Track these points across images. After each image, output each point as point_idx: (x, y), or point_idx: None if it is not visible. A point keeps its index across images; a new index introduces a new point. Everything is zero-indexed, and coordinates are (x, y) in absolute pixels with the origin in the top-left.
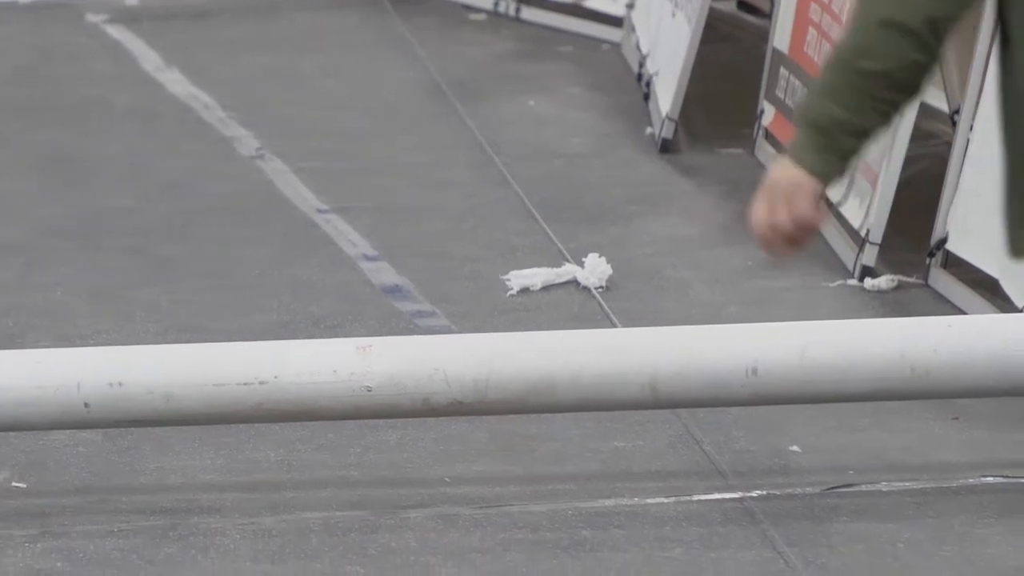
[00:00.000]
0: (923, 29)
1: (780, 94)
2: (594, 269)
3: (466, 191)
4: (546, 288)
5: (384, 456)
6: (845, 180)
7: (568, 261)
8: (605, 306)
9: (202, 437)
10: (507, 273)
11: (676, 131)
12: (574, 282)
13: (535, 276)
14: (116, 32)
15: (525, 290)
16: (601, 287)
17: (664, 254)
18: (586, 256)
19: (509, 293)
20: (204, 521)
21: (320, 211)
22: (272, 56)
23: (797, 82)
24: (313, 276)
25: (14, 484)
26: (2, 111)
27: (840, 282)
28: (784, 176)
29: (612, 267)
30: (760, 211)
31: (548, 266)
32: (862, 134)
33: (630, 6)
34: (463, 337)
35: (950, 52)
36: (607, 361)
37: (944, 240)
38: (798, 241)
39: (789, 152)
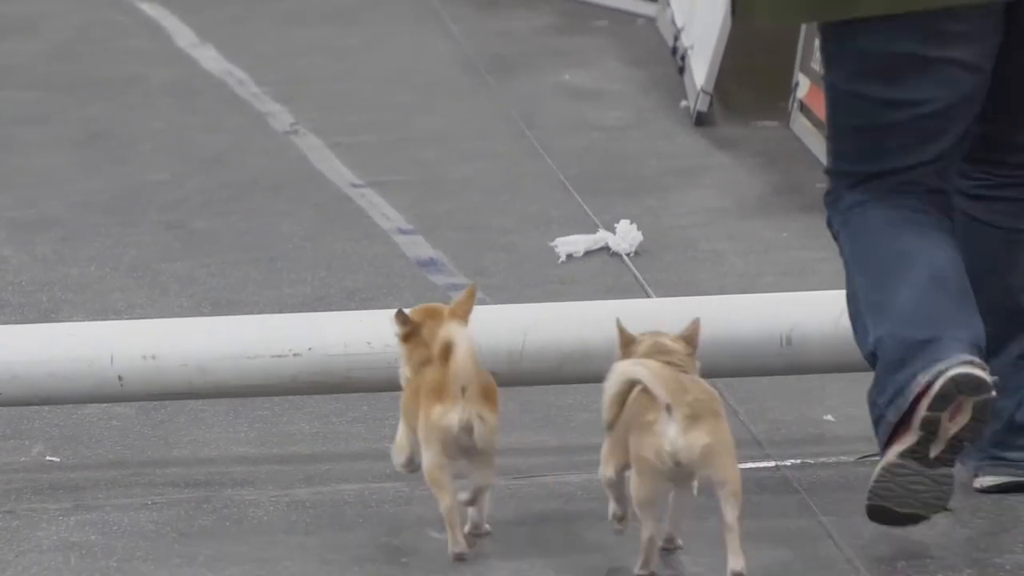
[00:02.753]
0: None
1: (815, 66)
2: (625, 235)
3: (501, 164)
4: (588, 253)
5: None
6: None
7: (601, 228)
8: (640, 277)
9: (236, 410)
10: (553, 241)
11: (711, 104)
12: (607, 249)
13: (578, 243)
14: (150, 9)
15: (571, 256)
16: (631, 252)
17: (699, 225)
18: (618, 223)
19: (559, 260)
20: (238, 494)
21: (355, 185)
22: (305, 32)
23: None
24: (348, 250)
25: (48, 458)
26: (41, 88)
27: None
28: None
29: (647, 238)
30: None
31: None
32: None
33: None
34: (497, 308)
35: None
36: (641, 330)
37: None
38: None
39: None
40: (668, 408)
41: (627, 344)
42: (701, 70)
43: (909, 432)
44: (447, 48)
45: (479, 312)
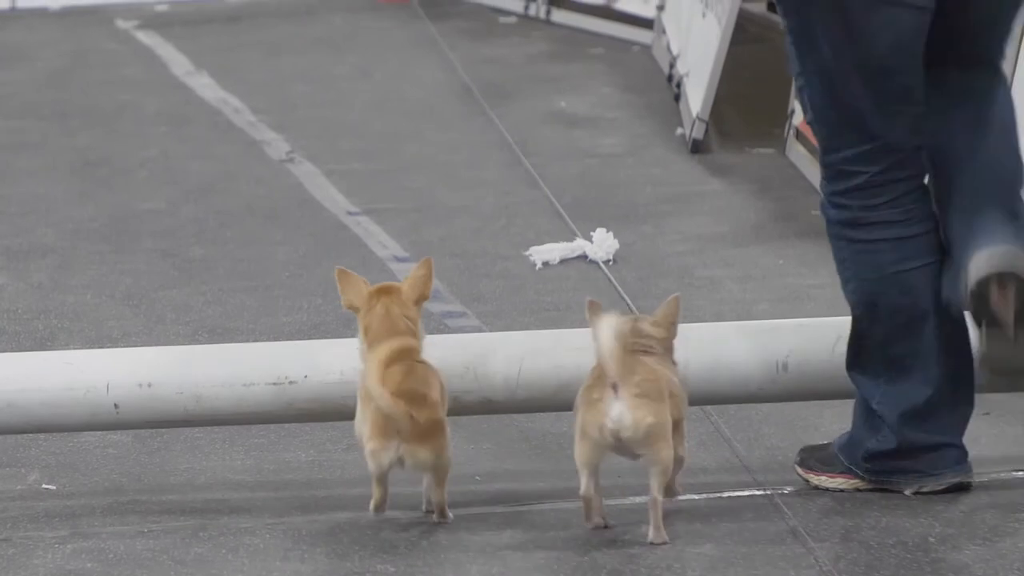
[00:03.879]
0: None
1: None
2: (602, 243)
3: (497, 191)
4: (565, 262)
5: None
6: None
7: (579, 237)
8: (633, 306)
9: (232, 438)
10: (528, 250)
11: (707, 131)
12: (584, 257)
13: (553, 251)
14: (146, 37)
15: (546, 264)
16: (608, 260)
17: (695, 252)
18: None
19: (536, 268)
20: (234, 521)
21: (351, 213)
22: (301, 59)
23: None
24: None
25: (44, 486)
26: (35, 115)
27: None
28: None
29: (643, 265)
30: None
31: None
32: None
33: (660, 8)
34: (493, 335)
35: None
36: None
37: None
38: None
39: None
40: (614, 387)
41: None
42: (697, 97)
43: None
44: (444, 75)
45: (474, 339)
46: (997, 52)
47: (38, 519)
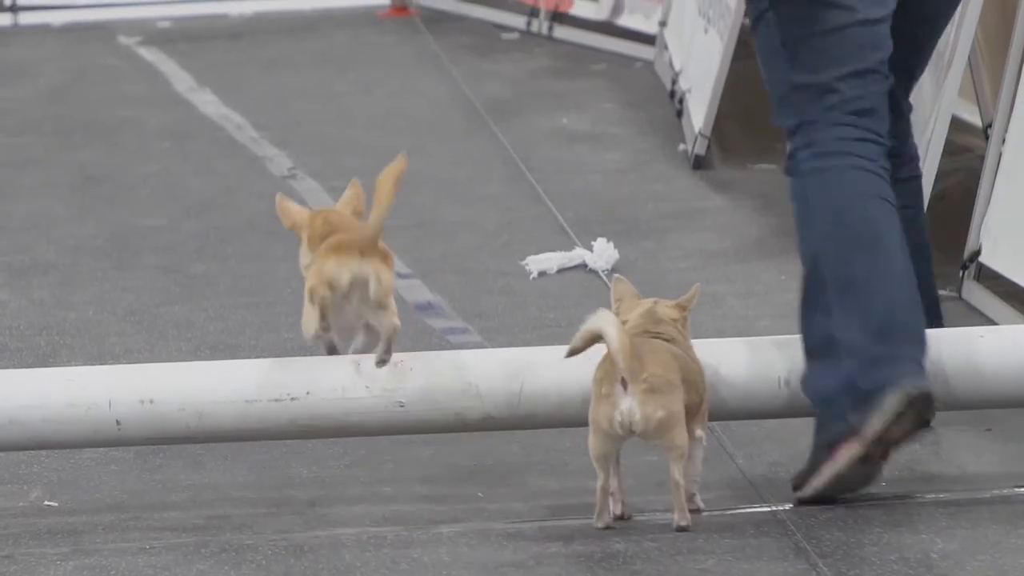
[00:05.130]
0: None
1: None
2: (602, 253)
3: (500, 207)
4: (563, 271)
5: (417, 471)
6: None
7: (578, 246)
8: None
9: (234, 454)
10: (524, 260)
11: (709, 147)
12: (583, 266)
13: (550, 260)
14: (148, 54)
15: (543, 273)
16: (608, 270)
17: (697, 268)
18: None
19: (531, 277)
20: (236, 538)
21: None
22: (304, 75)
23: None
24: None
25: (46, 503)
26: (37, 132)
27: None
28: None
29: (645, 281)
30: None
31: (584, 288)
32: None
33: (663, 24)
34: (495, 351)
35: (983, 66)
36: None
37: (977, 252)
38: None
39: None
40: (623, 382)
41: (621, 300)
42: (699, 113)
43: (858, 441)
44: (446, 91)
45: (477, 355)
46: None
47: (40, 536)
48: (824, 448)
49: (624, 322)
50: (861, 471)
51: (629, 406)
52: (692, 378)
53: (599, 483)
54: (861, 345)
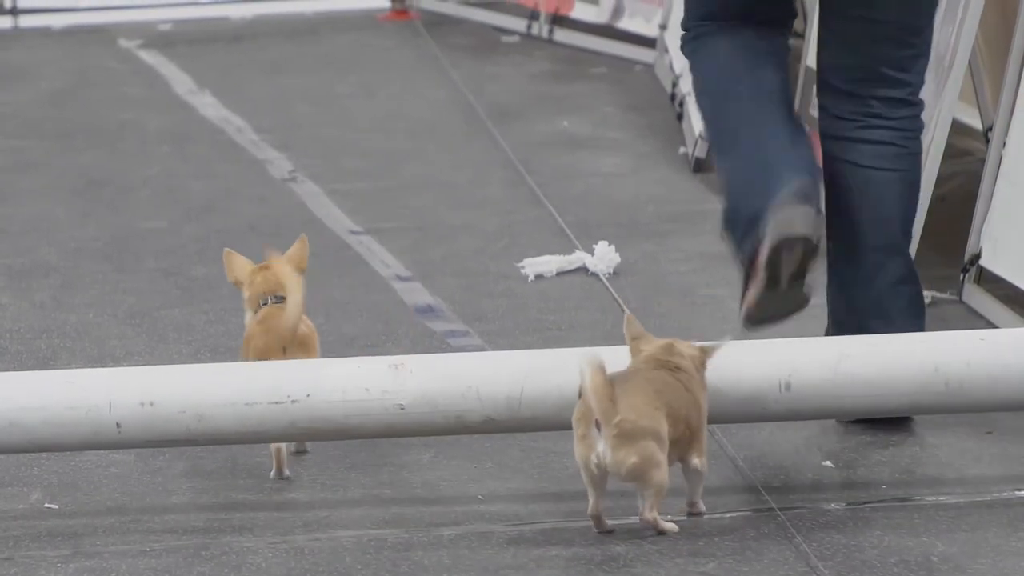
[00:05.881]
0: None
1: (813, 112)
2: (603, 256)
3: (499, 210)
4: (562, 274)
5: (417, 474)
6: None
7: (578, 249)
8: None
9: (234, 456)
10: (520, 262)
11: (709, 150)
12: (584, 270)
13: (549, 263)
14: (149, 56)
15: (540, 277)
16: (609, 273)
17: (698, 271)
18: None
19: (528, 280)
20: (236, 540)
21: (353, 232)
22: (304, 78)
23: None
24: (346, 297)
25: (46, 505)
26: (37, 135)
27: None
28: None
29: (645, 284)
30: None
31: (584, 290)
32: None
33: (663, 27)
34: (495, 354)
35: (984, 69)
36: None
37: (978, 256)
38: None
39: None
40: (597, 424)
41: (639, 338)
42: (699, 116)
43: (757, 273)
44: (446, 94)
45: (478, 358)
46: None
47: (40, 538)
48: (744, 278)
49: (641, 351)
50: (776, 297)
51: (603, 449)
52: (681, 412)
53: (589, 508)
54: (736, 179)
